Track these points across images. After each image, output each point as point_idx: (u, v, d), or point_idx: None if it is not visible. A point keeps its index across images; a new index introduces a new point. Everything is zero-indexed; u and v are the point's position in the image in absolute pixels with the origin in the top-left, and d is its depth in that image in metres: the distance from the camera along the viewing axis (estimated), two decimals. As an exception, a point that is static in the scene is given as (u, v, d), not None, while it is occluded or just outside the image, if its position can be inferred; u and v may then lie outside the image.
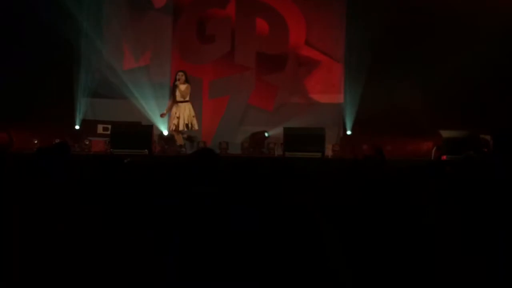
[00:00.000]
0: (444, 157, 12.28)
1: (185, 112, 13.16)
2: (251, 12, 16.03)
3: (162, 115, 13.96)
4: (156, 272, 2.29)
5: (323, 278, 2.45)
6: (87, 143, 14.93)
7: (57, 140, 13.27)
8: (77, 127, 15.64)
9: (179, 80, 13.19)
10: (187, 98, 13.23)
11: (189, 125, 13.15)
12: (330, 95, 16.02)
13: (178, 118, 13.12)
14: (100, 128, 15.14)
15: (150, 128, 13.88)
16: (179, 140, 13.33)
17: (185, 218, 2.83)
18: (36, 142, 14.42)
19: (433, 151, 13.11)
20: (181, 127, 13.10)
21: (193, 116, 13.23)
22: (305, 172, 5.59)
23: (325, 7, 16.10)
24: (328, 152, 13.93)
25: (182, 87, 13.20)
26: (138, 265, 2.33)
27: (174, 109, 13.21)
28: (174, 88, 13.29)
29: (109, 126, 14.21)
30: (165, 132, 15.28)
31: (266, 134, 15.50)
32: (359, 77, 15.22)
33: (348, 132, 15.58)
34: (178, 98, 13.20)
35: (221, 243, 2.59)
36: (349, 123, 15.58)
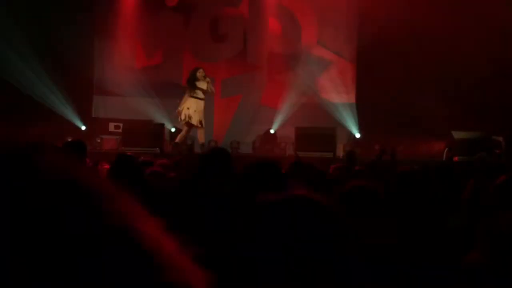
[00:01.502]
0: (456, 158, 12.25)
1: (202, 110, 13.22)
2: (264, 11, 16.03)
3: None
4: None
5: (337, 277, 2.45)
6: (98, 141, 14.94)
7: (69, 138, 13.30)
8: (83, 127, 15.57)
9: (199, 76, 13.18)
10: (203, 96, 13.27)
11: (202, 122, 13.22)
12: (341, 95, 16.02)
13: (195, 111, 13.10)
14: (111, 126, 15.17)
15: (161, 126, 13.91)
16: (181, 137, 13.39)
17: (200, 217, 2.83)
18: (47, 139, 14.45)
19: (445, 152, 13.07)
20: (195, 122, 13.11)
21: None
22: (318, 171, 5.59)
23: (337, 7, 16.07)
24: (339, 152, 13.92)
25: (204, 83, 13.22)
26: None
27: (191, 103, 13.18)
28: (192, 83, 13.27)
29: (121, 124, 14.23)
30: (173, 130, 15.22)
31: (272, 131, 15.49)
32: (371, 77, 15.19)
33: (358, 135, 15.56)
34: (201, 95, 13.20)
35: (236, 241, 2.59)
36: (360, 123, 15.57)
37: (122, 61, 15.93)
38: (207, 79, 13.29)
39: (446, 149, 13.17)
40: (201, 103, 13.23)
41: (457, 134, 13.10)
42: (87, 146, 14.05)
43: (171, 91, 15.88)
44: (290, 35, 15.99)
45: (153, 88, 15.81)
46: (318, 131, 13.39)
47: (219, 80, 16.14)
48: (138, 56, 16.14)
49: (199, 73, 13.23)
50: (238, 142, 15.21)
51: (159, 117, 15.34)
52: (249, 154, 14.89)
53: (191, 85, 13.23)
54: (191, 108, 13.10)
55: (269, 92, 16.09)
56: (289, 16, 16.00)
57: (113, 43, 15.96)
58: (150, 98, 15.71)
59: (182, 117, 13.10)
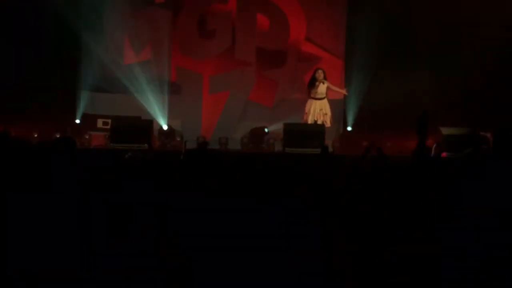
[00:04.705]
0: (444, 154, 12.30)
1: (327, 108, 13.41)
2: (252, 7, 15.99)
3: None
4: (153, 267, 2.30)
5: (325, 272, 2.45)
6: (87, 137, 14.92)
7: (58, 134, 13.26)
8: (77, 121, 15.57)
9: (318, 77, 13.36)
10: (325, 95, 13.47)
11: (331, 120, 13.48)
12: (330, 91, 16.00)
13: (326, 114, 13.29)
14: (100, 122, 15.13)
15: (150, 122, 13.89)
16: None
17: (187, 212, 2.83)
18: (36, 135, 14.39)
19: (433, 147, 13.11)
20: (329, 123, 13.33)
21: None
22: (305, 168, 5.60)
23: (326, 3, 16.09)
24: (328, 148, 13.93)
25: (325, 84, 13.32)
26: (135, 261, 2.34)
27: (316, 106, 13.35)
28: (313, 85, 13.43)
29: (109, 121, 14.20)
30: (165, 127, 15.29)
31: (266, 130, 15.47)
32: (359, 73, 15.22)
33: (349, 128, 15.58)
34: (321, 95, 13.36)
35: (223, 237, 2.59)
36: (349, 119, 15.59)
37: (110, 57, 15.86)
38: (327, 81, 13.54)
39: (435, 145, 13.22)
40: (325, 101, 13.48)
41: (445, 130, 13.15)
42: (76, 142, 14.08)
43: (159, 88, 15.85)
44: (278, 31, 15.96)
45: (141, 84, 15.76)
46: (306, 128, 13.39)
47: (207, 76, 16.10)
48: (126, 53, 16.06)
49: (317, 74, 13.44)
50: (226, 138, 15.21)
51: (148, 113, 15.32)
52: (238, 150, 14.90)
53: (311, 87, 13.49)
54: (322, 110, 13.34)
55: (258, 88, 16.07)
56: (277, 12, 15.96)
57: (102, 39, 15.89)
58: (139, 94, 15.66)
59: (329, 123, 13.38)
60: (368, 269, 2.49)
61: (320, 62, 16.01)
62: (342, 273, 2.48)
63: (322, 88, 13.42)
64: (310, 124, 13.71)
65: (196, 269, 2.45)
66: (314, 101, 13.49)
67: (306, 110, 13.57)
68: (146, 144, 12.67)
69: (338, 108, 15.71)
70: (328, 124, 13.44)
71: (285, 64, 16.09)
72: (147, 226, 2.93)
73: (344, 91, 14.10)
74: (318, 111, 13.42)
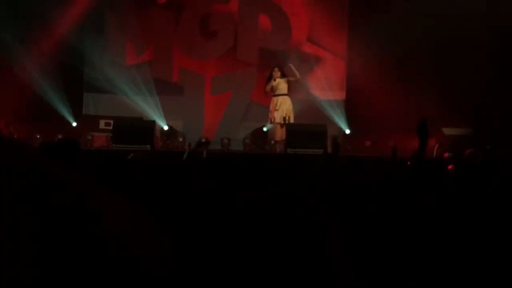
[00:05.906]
0: (446, 155, 12.31)
1: (284, 105, 13.27)
2: (254, 8, 16.02)
3: None
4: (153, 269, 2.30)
5: (324, 276, 2.46)
6: (89, 138, 14.94)
7: (60, 136, 13.28)
8: (74, 124, 15.54)
9: (275, 74, 13.37)
10: (286, 92, 13.39)
11: (286, 118, 13.30)
12: (332, 92, 16.02)
13: (277, 110, 13.26)
14: (102, 123, 15.15)
15: (152, 123, 13.90)
16: (278, 135, 13.42)
17: (184, 215, 2.85)
18: (38, 137, 14.42)
19: (435, 148, 13.13)
20: (278, 120, 13.25)
21: (292, 109, 13.41)
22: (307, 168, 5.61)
23: (328, 4, 16.10)
24: (330, 149, 13.94)
25: (280, 81, 13.29)
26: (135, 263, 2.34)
27: (274, 102, 13.36)
28: (270, 83, 13.48)
29: (111, 121, 14.21)
30: (166, 128, 15.30)
31: (265, 129, 15.48)
32: (361, 74, 15.23)
33: (347, 131, 15.59)
34: (279, 91, 13.41)
35: (220, 241, 2.60)
36: (350, 120, 15.61)
37: (112, 58, 15.88)
38: (285, 78, 13.53)
39: (437, 145, 13.23)
40: (284, 98, 13.42)
41: (448, 131, 13.17)
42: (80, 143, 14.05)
43: (161, 88, 15.87)
44: (280, 32, 15.98)
45: (143, 85, 15.78)
46: (309, 128, 13.40)
47: (209, 77, 16.13)
48: (128, 53, 16.09)
49: (274, 72, 13.44)
50: (228, 139, 15.21)
51: (150, 114, 15.34)
52: (240, 151, 14.92)
53: (265, 84, 13.58)
54: (282, 106, 13.31)
55: (259, 89, 16.09)
56: (279, 12, 15.99)
57: (103, 40, 15.91)
58: (141, 95, 15.69)
59: (278, 119, 13.26)
60: (368, 269, 2.50)
61: (322, 63, 16.06)
62: (342, 273, 2.49)
63: (278, 85, 13.38)
64: (313, 125, 13.74)
65: (196, 269, 2.46)
66: (273, 98, 13.51)
67: (273, 111, 13.57)
68: (148, 145, 12.69)
69: (339, 108, 15.76)
70: (277, 120, 13.35)
71: (287, 65, 16.11)
72: (148, 226, 2.92)
73: (297, 75, 13.81)
74: (281, 107, 13.40)
